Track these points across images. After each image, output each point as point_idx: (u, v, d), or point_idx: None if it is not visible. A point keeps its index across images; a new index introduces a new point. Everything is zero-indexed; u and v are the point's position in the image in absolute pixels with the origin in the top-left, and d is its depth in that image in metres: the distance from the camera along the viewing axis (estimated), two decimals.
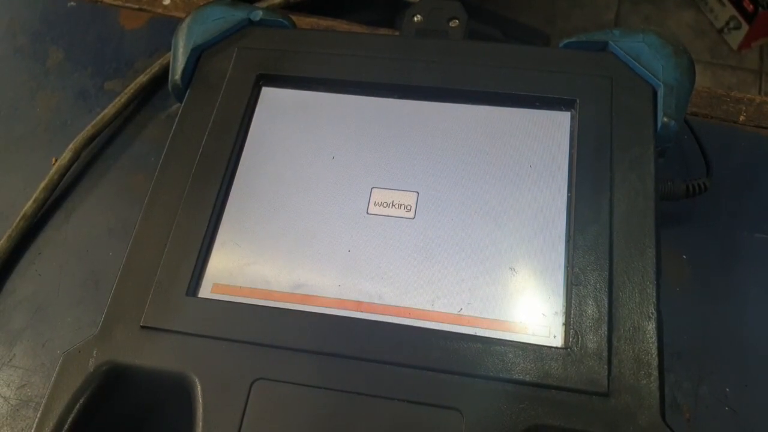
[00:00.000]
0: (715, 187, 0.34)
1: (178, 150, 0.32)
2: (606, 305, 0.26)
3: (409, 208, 0.30)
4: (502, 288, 0.28)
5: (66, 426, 0.26)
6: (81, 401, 0.26)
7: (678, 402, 0.31)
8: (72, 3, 0.47)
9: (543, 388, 0.25)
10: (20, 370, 0.34)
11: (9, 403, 0.33)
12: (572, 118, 0.31)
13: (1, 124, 0.42)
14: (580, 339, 0.26)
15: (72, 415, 0.26)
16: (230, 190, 0.31)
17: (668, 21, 1.24)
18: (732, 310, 0.33)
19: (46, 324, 0.35)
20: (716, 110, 0.38)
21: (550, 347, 0.26)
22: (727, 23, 1.19)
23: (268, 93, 0.34)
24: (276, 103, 0.34)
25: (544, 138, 0.31)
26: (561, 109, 0.32)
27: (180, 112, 0.33)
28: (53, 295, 0.36)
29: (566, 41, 0.34)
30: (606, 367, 0.25)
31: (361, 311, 0.28)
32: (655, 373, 0.25)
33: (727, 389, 0.31)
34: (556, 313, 0.27)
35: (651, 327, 0.26)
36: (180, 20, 0.37)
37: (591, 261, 0.27)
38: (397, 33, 0.40)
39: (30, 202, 0.37)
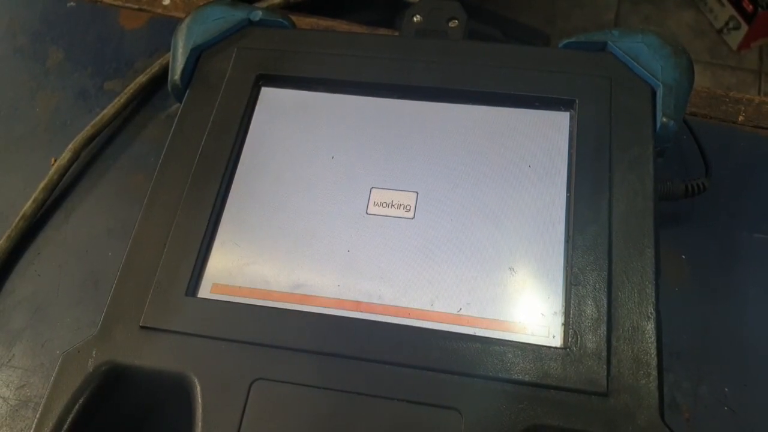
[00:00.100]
0: (714, 188, 0.34)
1: (178, 150, 0.32)
2: (605, 305, 0.26)
3: (408, 208, 0.30)
4: (501, 288, 0.28)
5: (65, 426, 0.26)
6: (80, 401, 0.26)
7: (677, 402, 0.31)
8: (72, 3, 0.47)
9: (542, 388, 0.25)
10: (19, 371, 0.34)
11: (8, 403, 0.33)
12: (571, 118, 0.31)
13: (1, 124, 0.42)
14: (579, 339, 0.26)
15: (71, 416, 0.26)
16: (230, 190, 0.31)
17: (668, 21, 1.24)
18: (731, 310, 0.33)
19: (46, 324, 0.35)
20: (715, 110, 0.38)
21: (549, 347, 0.26)
22: (727, 23, 1.19)
23: (267, 93, 0.34)
24: (275, 103, 0.34)
25: (543, 138, 0.31)
26: (560, 110, 0.32)
27: (179, 112, 0.33)
28: (52, 296, 0.36)
29: (566, 41, 0.34)
30: (605, 367, 0.25)
31: (361, 311, 0.28)
32: (654, 373, 0.25)
33: (726, 389, 0.31)
34: (555, 313, 0.27)
35: (650, 327, 0.26)
36: (180, 20, 0.37)
37: (590, 261, 0.27)
38: (396, 33, 0.41)
39: (29, 202, 0.37)
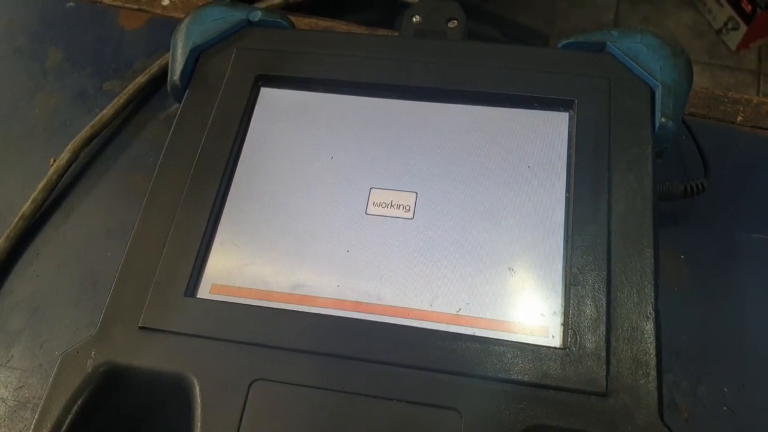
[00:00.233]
0: (713, 188, 0.34)
1: (177, 150, 0.32)
2: (604, 305, 0.26)
3: (407, 208, 0.30)
4: (500, 288, 0.28)
5: (64, 427, 0.26)
6: (79, 402, 0.26)
7: (676, 402, 0.31)
8: (71, 3, 0.47)
9: (541, 388, 0.25)
10: (18, 371, 0.34)
11: (7, 404, 0.33)
12: (570, 118, 0.31)
13: (0, 125, 0.42)
14: (578, 339, 0.26)
15: (70, 416, 0.26)
16: (229, 191, 0.31)
17: (667, 21, 1.24)
18: (730, 310, 0.33)
19: (44, 325, 0.35)
20: (714, 111, 0.38)
21: (549, 347, 0.26)
22: (726, 24, 1.20)
23: (266, 93, 0.34)
24: (275, 104, 0.34)
25: (542, 138, 0.31)
26: (559, 110, 0.32)
27: (179, 112, 0.33)
28: (51, 296, 0.36)
29: (565, 42, 0.34)
30: (604, 367, 0.25)
31: (360, 311, 0.28)
32: (654, 373, 0.25)
33: (726, 389, 0.31)
34: (555, 313, 0.27)
35: (649, 327, 0.26)
36: (179, 21, 0.37)
37: (589, 261, 0.27)
38: (395, 34, 0.41)
39: (28, 203, 0.37)
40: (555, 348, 0.26)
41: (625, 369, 0.25)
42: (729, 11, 1.18)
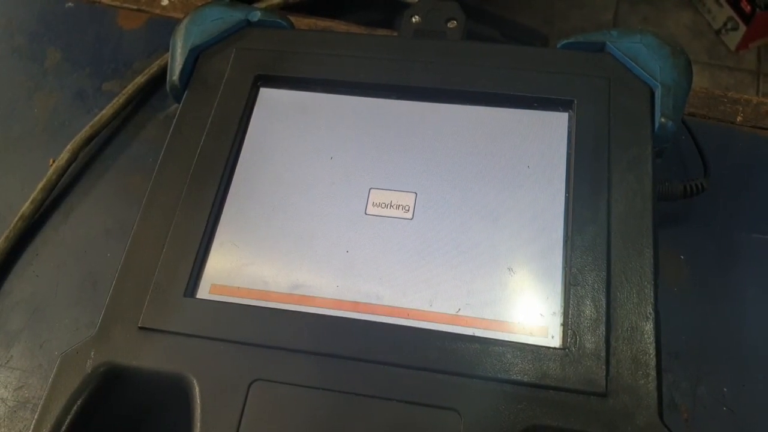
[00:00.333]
0: (713, 188, 0.34)
1: (176, 151, 0.32)
2: (604, 305, 0.26)
3: (407, 208, 0.30)
4: (500, 288, 0.28)
5: (63, 427, 0.26)
6: (79, 402, 0.26)
7: (676, 402, 0.31)
8: (70, 3, 0.46)
9: (541, 388, 0.25)
10: (18, 372, 0.34)
11: (6, 404, 0.33)
12: (570, 118, 0.31)
13: None
14: (578, 339, 0.26)
15: (69, 417, 0.26)
16: (228, 191, 0.31)
17: (666, 22, 1.24)
18: (730, 310, 0.33)
19: (44, 325, 0.35)
20: (714, 111, 0.38)
21: (548, 347, 0.26)
22: (725, 24, 1.20)
23: (266, 94, 0.34)
24: (274, 104, 0.34)
25: (542, 139, 0.31)
26: (559, 110, 0.32)
27: (178, 112, 0.33)
28: (51, 296, 0.36)
29: (564, 42, 0.34)
30: (604, 367, 0.25)
31: (359, 312, 0.28)
32: (653, 373, 0.25)
33: (725, 389, 0.31)
34: (554, 313, 0.27)
35: (649, 327, 0.26)
36: (178, 21, 0.37)
37: (589, 261, 0.27)
38: (395, 34, 0.41)
39: (27, 203, 0.37)
40: (554, 348, 0.26)
41: (625, 369, 0.25)
42: (728, 11, 1.18)
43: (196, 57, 0.35)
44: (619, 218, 0.28)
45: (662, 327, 0.27)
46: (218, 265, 0.30)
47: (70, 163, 0.39)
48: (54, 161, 0.39)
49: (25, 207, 0.37)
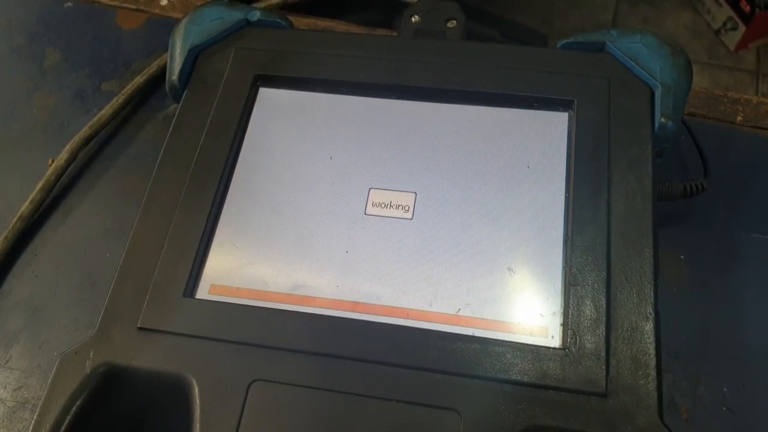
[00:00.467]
0: (713, 188, 0.34)
1: (176, 151, 0.32)
2: (604, 305, 0.26)
3: (407, 208, 0.30)
4: (500, 288, 0.28)
5: (63, 428, 0.26)
6: (78, 403, 0.26)
7: (676, 402, 0.31)
8: (69, 3, 0.46)
9: (541, 388, 0.25)
10: (17, 372, 0.34)
11: (5, 405, 0.33)
12: (570, 118, 0.31)
13: None
14: (577, 339, 0.26)
15: (69, 417, 0.26)
16: (228, 191, 0.31)
17: (666, 22, 1.24)
18: (730, 310, 0.33)
19: (43, 325, 0.35)
20: (713, 111, 0.38)
21: (548, 348, 0.26)
22: (724, 24, 1.20)
23: (265, 93, 0.34)
24: (273, 104, 0.34)
25: (541, 138, 0.31)
26: (558, 110, 0.32)
27: (177, 112, 0.33)
28: (50, 297, 0.36)
29: (564, 42, 0.34)
30: (604, 367, 0.25)
31: (359, 312, 0.28)
32: (653, 373, 0.25)
33: (725, 389, 0.31)
34: (554, 313, 0.27)
35: (649, 327, 0.26)
36: (177, 21, 0.37)
37: (589, 261, 0.27)
38: (394, 33, 0.40)
39: (27, 203, 0.37)
40: (554, 348, 0.26)
41: (625, 369, 0.25)
42: (728, 11, 1.18)
43: (195, 57, 0.35)
44: (619, 218, 0.28)
45: (662, 327, 0.27)
46: (217, 265, 0.29)
47: (69, 163, 0.39)
48: (53, 161, 0.39)
49: (24, 207, 0.37)
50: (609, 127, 0.30)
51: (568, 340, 0.26)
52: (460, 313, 0.27)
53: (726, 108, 0.38)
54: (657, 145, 0.31)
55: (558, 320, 0.27)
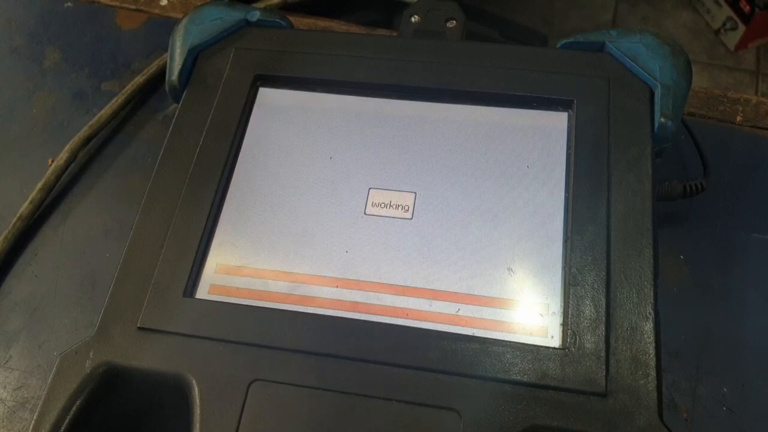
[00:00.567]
0: (713, 188, 0.34)
1: (176, 151, 0.32)
2: (603, 305, 0.26)
3: (406, 208, 0.30)
4: (499, 288, 0.28)
5: (62, 428, 0.26)
6: (78, 403, 0.26)
7: (676, 402, 0.31)
8: (69, 3, 0.46)
9: (541, 388, 0.25)
10: (17, 372, 0.34)
11: (5, 404, 0.33)
12: (569, 118, 0.31)
13: None
14: (577, 339, 0.26)
15: (69, 417, 0.26)
16: (227, 191, 0.31)
17: (665, 22, 1.24)
18: (730, 309, 0.33)
19: (43, 325, 0.35)
20: (713, 111, 0.38)
21: (548, 347, 0.26)
22: (724, 24, 1.20)
23: (265, 93, 0.34)
24: (273, 104, 0.34)
25: (541, 138, 0.31)
26: (558, 110, 0.32)
27: (177, 112, 0.33)
28: (50, 297, 0.36)
29: (563, 42, 0.34)
30: (604, 367, 0.25)
31: (359, 312, 0.28)
32: (653, 373, 0.25)
33: (725, 389, 0.31)
34: (554, 313, 0.27)
35: (648, 327, 0.26)
36: (177, 21, 0.37)
37: (588, 261, 0.27)
38: (394, 33, 0.40)
39: (26, 203, 0.37)
40: (554, 348, 0.26)
41: (625, 369, 0.25)
42: (727, 11, 1.18)
43: (195, 57, 0.35)
44: (618, 218, 0.28)
45: (662, 327, 0.27)
46: (217, 265, 0.29)
47: (69, 163, 0.39)
48: (53, 161, 0.39)
49: (24, 207, 0.37)
50: (609, 126, 0.30)
51: (568, 339, 0.26)
52: (459, 313, 0.27)
53: (726, 108, 0.38)
54: (657, 144, 0.31)
55: (558, 320, 0.27)
